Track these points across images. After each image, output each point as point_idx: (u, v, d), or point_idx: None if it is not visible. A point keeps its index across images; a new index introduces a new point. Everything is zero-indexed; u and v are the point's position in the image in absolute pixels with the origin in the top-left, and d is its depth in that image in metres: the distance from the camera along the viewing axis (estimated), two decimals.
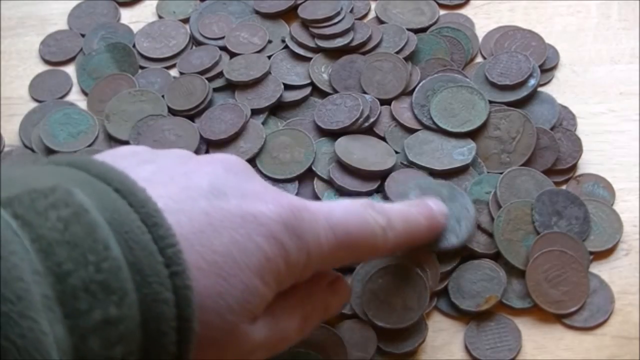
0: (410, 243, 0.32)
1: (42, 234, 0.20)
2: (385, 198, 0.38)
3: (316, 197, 0.39)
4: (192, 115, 0.43)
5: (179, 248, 0.22)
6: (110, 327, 0.20)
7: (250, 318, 0.25)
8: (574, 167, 0.40)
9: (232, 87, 0.44)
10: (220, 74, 0.45)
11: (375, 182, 0.39)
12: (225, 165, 0.27)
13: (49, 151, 0.43)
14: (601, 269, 0.36)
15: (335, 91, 0.43)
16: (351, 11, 0.47)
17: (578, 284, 0.35)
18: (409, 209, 0.32)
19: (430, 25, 0.46)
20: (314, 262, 0.27)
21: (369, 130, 0.41)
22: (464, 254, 0.36)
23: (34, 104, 0.46)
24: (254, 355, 0.27)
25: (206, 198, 0.25)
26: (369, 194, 0.38)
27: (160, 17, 0.50)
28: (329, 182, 0.39)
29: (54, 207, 0.21)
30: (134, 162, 0.26)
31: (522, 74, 0.42)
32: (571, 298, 0.35)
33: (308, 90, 0.44)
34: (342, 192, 0.38)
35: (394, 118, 0.42)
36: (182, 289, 0.22)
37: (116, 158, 0.26)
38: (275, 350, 0.28)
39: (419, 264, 0.35)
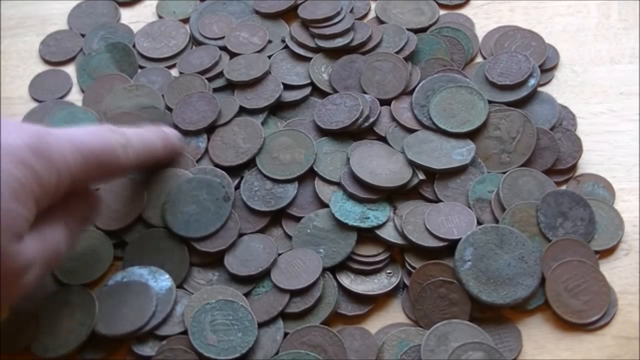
0: (149, 160, 0.36)
1: None
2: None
3: (317, 198, 0.39)
4: None
5: None
6: None
7: (15, 239, 0.28)
8: (574, 167, 0.40)
9: (232, 86, 0.44)
10: (220, 74, 0.45)
11: (387, 192, 0.39)
12: None
13: None
14: (601, 269, 0.36)
15: (335, 91, 0.43)
16: (351, 11, 0.47)
17: (598, 292, 0.35)
18: (145, 131, 0.37)
19: (430, 25, 0.46)
20: (65, 180, 0.30)
21: (369, 130, 0.41)
22: None
23: (34, 104, 0.46)
24: (32, 272, 0.30)
25: None
26: (379, 200, 0.39)
27: (160, 17, 0.50)
28: (332, 183, 0.39)
29: None
30: None
31: (522, 74, 0.42)
32: (592, 307, 0.35)
33: (308, 90, 0.44)
34: (352, 197, 0.39)
35: (393, 118, 0.42)
36: None
37: None
38: (51, 263, 0.32)
39: None
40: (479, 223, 0.37)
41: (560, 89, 0.44)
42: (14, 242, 0.28)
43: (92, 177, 0.33)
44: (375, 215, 0.38)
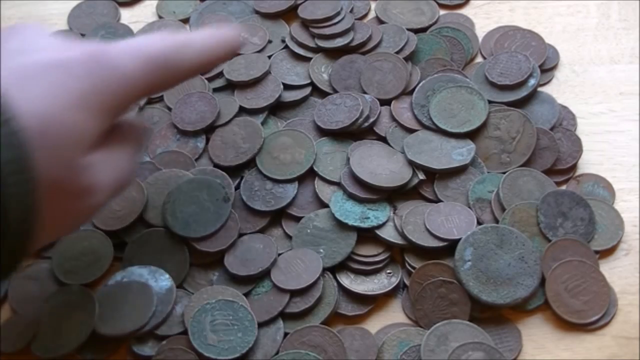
0: (212, 57, 0.34)
1: None
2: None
3: (317, 198, 0.39)
4: None
5: (5, 97, 0.25)
6: None
7: (82, 150, 0.28)
8: (574, 167, 0.40)
9: (231, 86, 0.44)
10: (220, 74, 0.45)
11: (387, 192, 0.39)
12: (30, 31, 0.30)
13: None
14: (601, 269, 0.36)
15: (335, 91, 0.43)
16: (351, 11, 0.47)
17: (598, 292, 0.35)
18: (202, 31, 0.36)
19: (430, 25, 0.46)
20: (132, 88, 0.30)
21: (369, 130, 0.41)
22: None
23: None
24: (98, 194, 0.29)
25: (13, 59, 0.28)
26: (379, 200, 0.39)
27: (160, 17, 0.50)
28: (332, 183, 0.39)
29: None
30: None
31: (522, 74, 0.42)
32: (592, 307, 0.35)
33: (308, 90, 0.44)
34: (352, 197, 0.39)
35: (393, 118, 0.42)
36: (12, 131, 0.24)
37: None
38: (117, 189, 0.31)
39: None
40: (479, 223, 0.37)
41: (560, 89, 0.44)
42: (81, 153, 0.28)
43: (158, 83, 0.32)
44: (375, 215, 0.38)
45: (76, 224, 0.31)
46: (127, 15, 0.50)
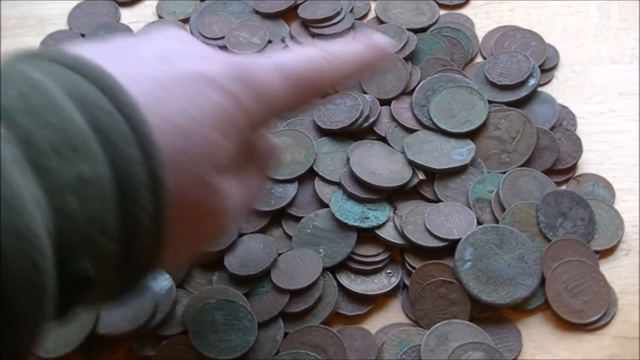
0: (358, 66, 0.31)
1: (4, 106, 0.20)
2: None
3: (317, 198, 0.39)
4: None
5: (139, 110, 0.23)
6: (85, 185, 0.20)
7: (216, 171, 0.26)
8: (574, 167, 0.40)
9: None
10: None
11: (386, 192, 0.39)
12: (170, 35, 0.28)
13: None
14: (601, 269, 0.36)
15: (335, 91, 0.43)
16: (351, 11, 0.47)
17: (598, 292, 0.35)
18: (347, 41, 0.33)
19: (430, 25, 0.46)
20: (272, 110, 0.28)
21: (369, 130, 0.41)
22: None
23: None
24: (229, 214, 0.27)
25: (153, 66, 0.26)
26: (379, 200, 0.39)
27: (160, 17, 0.50)
28: (332, 183, 0.39)
29: (12, 84, 0.21)
30: (88, 46, 0.27)
31: (522, 74, 0.42)
32: (592, 307, 0.35)
33: None
34: (352, 197, 0.39)
35: (393, 118, 0.42)
36: (147, 147, 0.22)
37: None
38: (246, 210, 0.30)
39: None
40: (479, 223, 0.37)
41: (560, 89, 0.44)
42: (214, 173, 0.26)
43: (297, 103, 0.30)
44: (375, 215, 0.38)
45: (200, 246, 0.29)
46: (127, 15, 0.50)
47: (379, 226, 0.38)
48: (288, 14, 0.48)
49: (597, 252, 0.37)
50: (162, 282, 0.37)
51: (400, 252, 0.38)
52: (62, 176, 0.20)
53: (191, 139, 0.25)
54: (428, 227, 0.37)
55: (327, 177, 0.39)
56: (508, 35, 0.45)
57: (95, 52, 0.25)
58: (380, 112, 0.42)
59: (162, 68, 0.26)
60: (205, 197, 0.26)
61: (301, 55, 0.29)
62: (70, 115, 0.21)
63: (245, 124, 0.27)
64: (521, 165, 0.39)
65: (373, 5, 0.48)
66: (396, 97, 0.43)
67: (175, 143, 0.24)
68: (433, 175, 0.39)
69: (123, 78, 0.23)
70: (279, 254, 0.37)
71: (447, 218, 0.37)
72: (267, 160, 0.32)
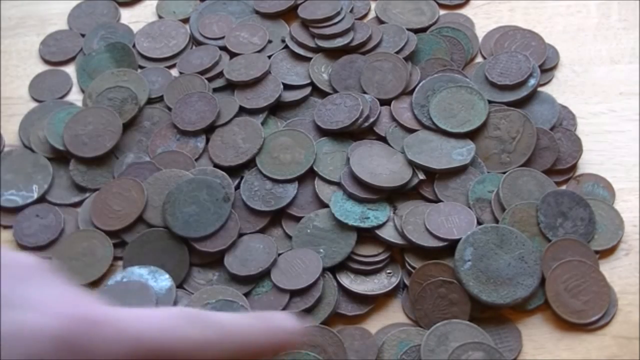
0: (243, 353, 0.24)
1: None
2: None
3: (317, 198, 0.39)
4: None
5: None
6: None
7: None
8: (574, 167, 0.40)
9: (232, 86, 0.44)
10: (220, 74, 0.45)
11: (386, 192, 0.39)
12: (8, 271, 0.22)
13: (54, 150, 0.43)
14: (601, 269, 0.36)
15: (335, 91, 0.43)
16: (351, 11, 0.47)
17: (598, 292, 0.35)
18: (242, 318, 0.24)
19: (430, 25, 0.46)
20: None
21: (369, 130, 0.41)
22: None
23: (34, 104, 0.46)
24: None
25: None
26: (379, 200, 0.39)
27: (160, 17, 0.50)
28: (332, 183, 0.39)
29: None
30: None
31: (522, 74, 0.42)
32: (592, 307, 0.35)
33: (308, 90, 0.44)
34: (352, 197, 0.39)
35: (393, 118, 0.42)
36: None
37: None
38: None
39: None
40: (479, 223, 0.37)
41: (560, 89, 0.44)
42: None
43: None
44: (375, 215, 0.38)
45: None
46: (127, 15, 0.50)
47: (379, 226, 0.38)
48: (288, 14, 0.48)
49: (597, 252, 0.37)
50: (162, 282, 0.37)
51: (400, 252, 0.38)
52: None
53: None
54: (428, 227, 0.37)
55: (327, 177, 0.39)
56: (508, 35, 0.45)
57: None
58: (380, 112, 0.42)
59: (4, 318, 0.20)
60: None
61: (168, 323, 0.22)
62: None
63: None
64: (521, 165, 0.39)
65: (373, 5, 0.48)
66: (396, 97, 0.43)
67: None
68: (433, 175, 0.39)
69: None
70: (279, 254, 0.37)
71: (447, 218, 0.37)
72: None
